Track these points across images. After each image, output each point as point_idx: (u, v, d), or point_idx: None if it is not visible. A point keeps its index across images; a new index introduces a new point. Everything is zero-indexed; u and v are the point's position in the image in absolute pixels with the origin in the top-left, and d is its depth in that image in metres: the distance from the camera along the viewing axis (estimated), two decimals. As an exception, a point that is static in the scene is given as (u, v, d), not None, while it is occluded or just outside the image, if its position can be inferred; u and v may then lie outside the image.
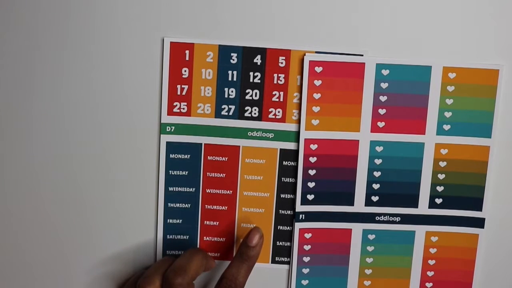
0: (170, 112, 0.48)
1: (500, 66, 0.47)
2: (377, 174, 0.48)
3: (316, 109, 0.47)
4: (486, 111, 0.48)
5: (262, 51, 0.47)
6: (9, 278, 0.50)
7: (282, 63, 0.47)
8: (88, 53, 0.47)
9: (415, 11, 0.47)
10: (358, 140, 0.48)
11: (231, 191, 0.49)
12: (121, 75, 0.47)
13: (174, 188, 0.49)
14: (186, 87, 0.48)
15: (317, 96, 0.47)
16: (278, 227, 0.50)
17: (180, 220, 0.49)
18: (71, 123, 0.48)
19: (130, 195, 0.49)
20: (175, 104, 0.48)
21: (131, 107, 0.48)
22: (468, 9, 0.47)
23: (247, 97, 0.48)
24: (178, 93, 0.48)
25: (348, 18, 0.47)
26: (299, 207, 0.49)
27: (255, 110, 0.48)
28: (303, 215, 0.49)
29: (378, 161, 0.48)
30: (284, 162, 0.49)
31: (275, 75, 0.47)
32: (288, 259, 0.50)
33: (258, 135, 0.48)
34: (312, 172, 0.48)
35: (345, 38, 0.47)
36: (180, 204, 0.49)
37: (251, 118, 0.48)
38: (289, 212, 0.50)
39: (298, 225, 0.49)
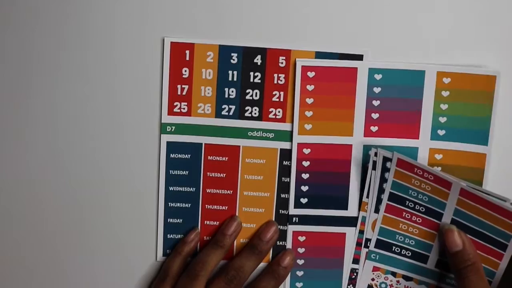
0: (171, 112, 0.48)
1: (497, 72, 0.46)
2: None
3: (308, 113, 0.47)
4: (482, 117, 0.47)
5: (262, 51, 0.47)
6: (7, 279, 0.50)
7: (282, 63, 0.47)
8: (88, 53, 0.47)
9: (416, 13, 0.47)
10: (351, 145, 0.48)
11: (231, 191, 0.49)
12: (122, 75, 0.47)
13: (175, 187, 0.49)
14: (186, 87, 0.48)
15: (309, 101, 0.47)
16: (279, 227, 0.50)
17: (181, 220, 0.50)
18: (71, 123, 0.48)
19: (130, 195, 0.49)
20: (175, 104, 0.48)
21: (131, 107, 0.48)
22: (466, 14, 0.47)
23: (247, 97, 0.48)
24: (179, 93, 0.48)
25: (348, 19, 0.47)
26: (293, 210, 0.49)
27: (255, 110, 0.48)
28: (297, 218, 0.49)
29: (370, 166, 0.48)
30: (284, 162, 0.49)
31: (275, 75, 0.47)
32: (289, 258, 0.50)
33: (258, 135, 0.48)
34: (305, 176, 0.48)
35: (345, 38, 0.47)
36: (181, 204, 0.49)
37: (252, 118, 0.48)
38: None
39: (291, 228, 0.49)
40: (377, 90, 0.47)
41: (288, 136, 0.48)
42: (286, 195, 0.49)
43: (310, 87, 0.47)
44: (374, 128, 0.48)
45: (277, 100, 0.48)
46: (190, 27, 0.47)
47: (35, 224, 0.50)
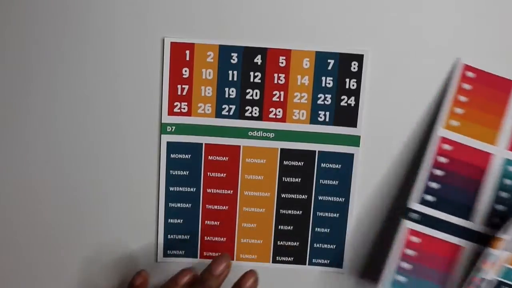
0: (171, 112, 0.48)
1: None
2: (504, 194, 0.45)
3: (459, 111, 0.45)
4: None
5: (262, 51, 0.47)
6: (6, 279, 0.50)
7: (282, 63, 0.47)
8: (88, 53, 0.47)
9: (418, 12, 0.47)
10: (493, 154, 0.45)
11: (231, 191, 0.49)
12: (122, 76, 0.47)
13: (175, 188, 0.49)
14: (186, 87, 0.48)
15: (463, 99, 0.45)
16: (279, 226, 0.50)
17: (181, 220, 0.50)
18: (71, 124, 0.48)
19: (130, 195, 0.49)
20: (175, 104, 0.48)
21: (131, 107, 0.48)
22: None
23: (248, 97, 0.48)
24: (179, 93, 0.48)
25: (348, 18, 0.47)
26: (415, 205, 0.45)
27: (255, 110, 0.48)
28: (418, 216, 0.46)
29: (508, 182, 0.45)
30: (284, 161, 0.49)
31: (276, 75, 0.47)
32: (289, 258, 0.50)
33: (259, 135, 0.48)
34: (439, 172, 0.45)
35: (346, 38, 0.47)
36: (181, 204, 0.49)
37: (252, 118, 0.48)
38: (290, 211, 0.50)
39: (408, 224, 0.46)
40: None
41: (288, 135, 0.48)
42: (287, 195, 0.49)
43: (467, 86, 0.45)
44: None
45: (277, 100, 0.48)
46: (190, 27, 0.47)
47: (34, 224, 0.49)
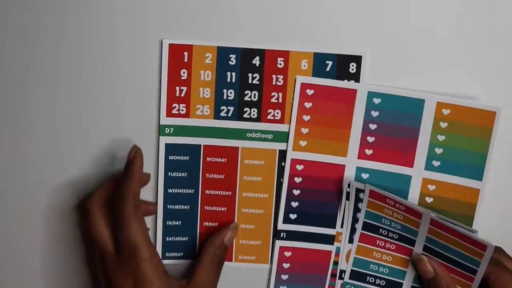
0: (169, 114, 0.48)
1: (498, 109, 0.46)
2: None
3: (304, 130, 0.47)
4: (479, 153, 0.47)
5: (260, 53, 0.47)
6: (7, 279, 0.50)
7: (280, 64, 0.47)
8: (87, 54, 0.47)
9: (417, 13, 0.47)
10: (344, 165, 0.48)
11: (230, 192, 0.49)
12: (120, 77, 0.47)
13: (173, 189, 0.49)
14: (184, 88, 0.48)
15: (306, 118, 0.47)
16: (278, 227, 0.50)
17: (180, 222, 0.49)
18: (70, 125, 0.48)
19: (129, 197, 0.49)
20: (174, 105, 0.48)
21: (130, 109, 0.48)
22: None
23: (246, 98, 0.48)
24: (177, 94, 0.48)
25: (346, 20, 0.47)
26: (281, 225, 0.49)
27: (254, 111, 0.48)
28: (285, 234, 0.49)
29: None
30: (283, 163, 0.49)
31: (274, 76, 0.48)
32: (288, 259, 0.51)
33: (257, 136, 0.48)
34: (296, 192, 0.49)
35: (344, 39, 0.47)
36: (180, 206, 0.49)
37: (250, 119, 0.48)
38: (288, 213, 0.50)
39: (279, 243, 0.49)
40: (374, 114, 0.47)
41: (287, 137, 0.48)
42: (286, 196, 0.49)
43: (308, 105, 0.47)
44: (368, 152, 0.48)
45: (276, 101, 0.48)
46: (188, 28, 0.47)
47: (35, 225, 0.49)
